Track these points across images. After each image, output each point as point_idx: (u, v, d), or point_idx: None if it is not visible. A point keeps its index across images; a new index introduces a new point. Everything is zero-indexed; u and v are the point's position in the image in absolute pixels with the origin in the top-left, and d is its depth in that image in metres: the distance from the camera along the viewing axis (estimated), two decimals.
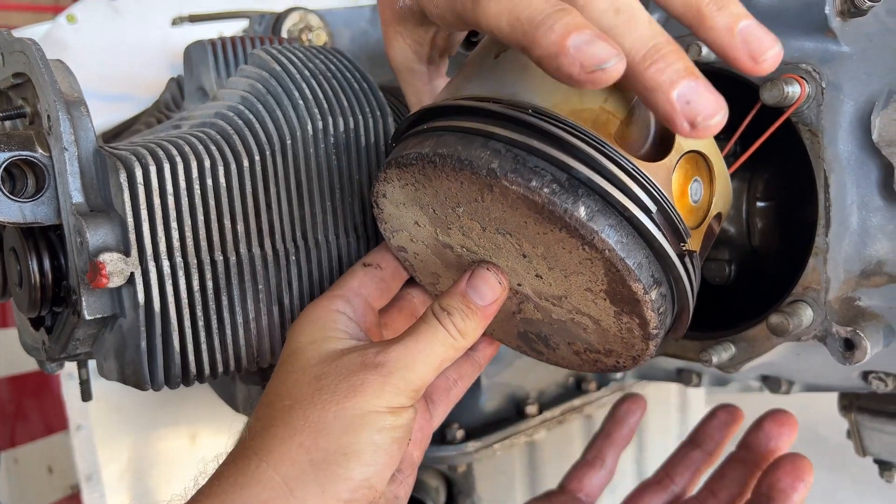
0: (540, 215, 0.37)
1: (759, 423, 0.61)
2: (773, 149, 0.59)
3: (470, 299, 0.44)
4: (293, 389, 0.43)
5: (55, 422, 1.11)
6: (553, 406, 0.76)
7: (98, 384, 1.08)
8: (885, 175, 0.47)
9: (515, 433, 0.72)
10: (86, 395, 0.59)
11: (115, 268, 0.42)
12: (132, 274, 0.44)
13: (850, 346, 0.49)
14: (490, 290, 0.44)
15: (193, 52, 0.59)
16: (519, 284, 0.44)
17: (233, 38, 0.59)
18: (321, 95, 0.51)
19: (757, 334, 0.53)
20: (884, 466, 0.74)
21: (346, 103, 0.52)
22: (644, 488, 0.64)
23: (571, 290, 0.41)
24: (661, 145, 0.40)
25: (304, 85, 0.51)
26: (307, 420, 0.41)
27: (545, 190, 0.36)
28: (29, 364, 1.18)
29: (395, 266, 0.51)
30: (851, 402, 0.73)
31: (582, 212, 0.36)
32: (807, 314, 0.50)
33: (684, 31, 0.54)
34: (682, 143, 0.40)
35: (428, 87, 0.50)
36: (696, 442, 0.65)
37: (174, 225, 0.45)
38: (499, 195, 0.37)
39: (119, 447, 1.05)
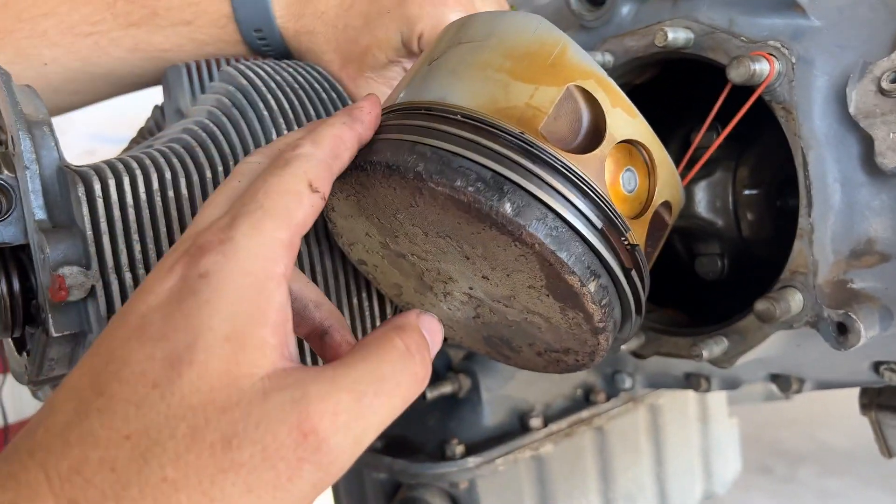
0: (469, 214, 0.36)
1: None
2: (754, 134, 0.57)
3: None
4: (184, 448, 0.27)
5: None
6: (559, 419, 0.74)
7: None
8: (866, 149, 0.45)
9: (519, 447, 0.70)
10: None
11: (75, 281, 0.42)
12: (93, 287, 0.44)
13: (843, 329, 0.47)
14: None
15: (170, 76, 0.59)
16: (470, 288, 0.43)
17: (207, 60, 0.59)
18: (286, 105, 0.51)
19: (748, 325, 0.51)
20: None
21: (312, 113, 0.52)
22: None
23: (517, 288, 0.40)
24: (594, 137, 0.39)
25: (269, 96, 0.51)
26: None
27: (470, 189, 0.35)
28: None
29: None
30: (871, 400, 0.69)
31: (507, 208, 0.35)
32: (796, 299, 0.48)
33: (661, 18, 0.53)
34: (615, 133, 0.39)
35: None
36: None
37: (135, 237, 0.45)
38: (429, 198, 0.37)
39: None
